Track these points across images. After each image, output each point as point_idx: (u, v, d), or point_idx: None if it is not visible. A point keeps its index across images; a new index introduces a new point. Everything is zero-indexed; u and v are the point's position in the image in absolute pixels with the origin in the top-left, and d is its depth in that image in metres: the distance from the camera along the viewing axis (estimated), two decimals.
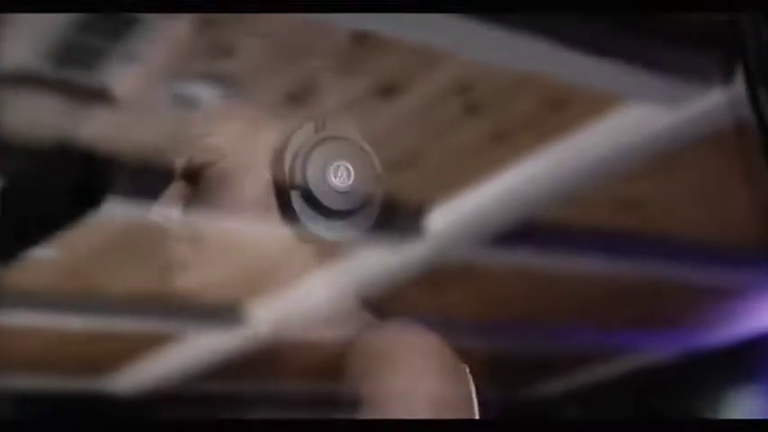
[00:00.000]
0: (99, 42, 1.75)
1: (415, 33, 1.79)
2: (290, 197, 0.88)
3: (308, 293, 0.90)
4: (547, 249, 2.78)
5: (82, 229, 1.88)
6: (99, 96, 1.86)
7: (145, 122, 1.96)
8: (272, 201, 0.89)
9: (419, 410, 0.79)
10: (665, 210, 2.73)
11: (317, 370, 0.86)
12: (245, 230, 0.90)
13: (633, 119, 2.18)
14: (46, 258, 2.31)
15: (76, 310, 2.89)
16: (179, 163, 0.93)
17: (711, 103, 1.98)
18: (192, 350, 3.00)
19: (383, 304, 0.93)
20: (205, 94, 1.87)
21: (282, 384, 0.90)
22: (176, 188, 0.92)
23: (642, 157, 2.31)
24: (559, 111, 2.22)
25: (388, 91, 2.07)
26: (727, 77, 1.64)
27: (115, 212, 1.87)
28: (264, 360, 0.92)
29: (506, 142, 2.33)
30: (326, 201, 0.88)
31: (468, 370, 0.86)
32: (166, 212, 0.91)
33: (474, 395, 0.85)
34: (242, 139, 0.91)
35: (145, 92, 1.90)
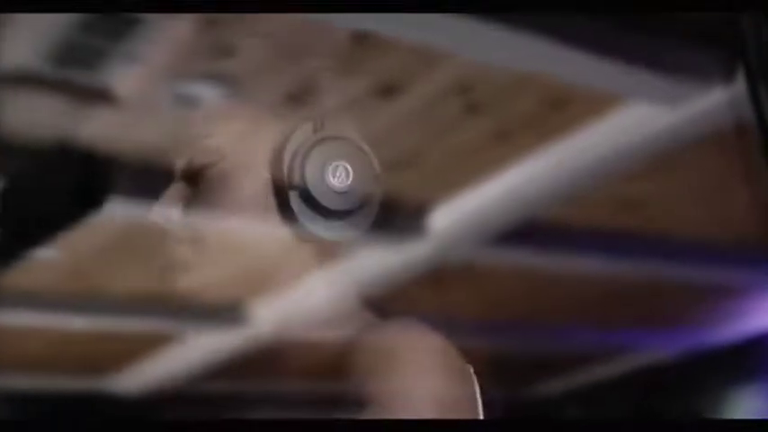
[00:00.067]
0: (100, 42, 1.75)
1: (415, 33, 1.79)
2: (288, 197, 0.88)
3: (308, 293, 0.90)
4: (548, 249, 2.78)
5: (83, 229, 1.88)
6: (100, 96, 1.86)
7: (146, 122, 1.96)
8: (272, 201, 0.89)
9: (424, 410, 0.79)
10: (666, 209, 2.73)
11: (319, 370, 0.87)
12: (245, 230, 0.90)
13: (633, 118, 2.18)
14: (47, 259, 2.32)
15: (78, 311, 2.89)
16: (179, 163, 0.93)
17: (712, 102, 1.98)
18: (193, 350, 3.00)
19: (385, 304, 0.94)
20: (206, 93, 1.87)
21: (284, 384, 0.90)
22: (176, 189, 0.93)
23: (642, 156, 2.31)
24: (560, 110, 2.22)
25: (388, 91, 2.07)
26: (728, 77, 1.65)
27: (116, 212, 1.87)
28: (266, 360, 0.92)
29: (507, 142, 2.34)
30: (325, 201, 0.88)
31: (472, 370, 0.86)
32: (166, 213, 0.92)
33: (478, 395, 0.85)
34: (242, 140, 0.91)
35: (146, 92, 1.90)
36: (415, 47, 1.88)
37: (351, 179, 0.89)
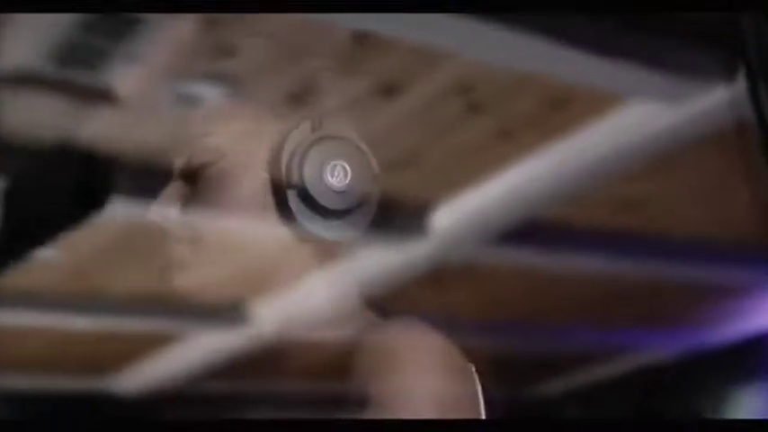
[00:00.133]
0: (101, 42, 1.75)
1: (415, 33, 1.79)
2: (286, 196, 0.88)
3: (309, 293, 0.90)
4: (548, 249, 2.78)
5: (84, 229, 1.88)
6: (102, 97, 1.86)
7: (147, 122, 1.96)
8: (270, 200, 0.89)
9: (425, 410, 0.79)
10: (666, 209, 2.73)
11: (320, 370, 0.87)
12: (244, 230, 0.90)
13: (634, 118, 2.18)
14: (48, 259, 2.32)
15: (79, 311, 2.89)
16: (178, 163, 0.93)
17: (712, 102, 1.98)
18: (194, 350, 3.00)
19: (386, 304, 0.94)
20: (207, 93, 1.87)
21: (284, 384, 0.90)
22: (175, 188, 0.93)
23: (643, 156, 2.31)
24: (560, 110, 2.22)
25: (389, 91, 2.07)
26: (729, 76, 1.65)
27: (118, 213, 1.87)
28: (266, 360, 0.92)
29: (508, 142, 2.34)
30: (323, 200, 0.88)
31: (473, 369, 0.86)
32: (164, 212, 0.92)
33: (480, 394, 0.85)
34: (242, 139, 0.92)
35: (147, 92, 1.90)
36: (415, 47, 1.89)
37: (349, 178, 0.89)
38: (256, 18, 1.69)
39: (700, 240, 2.93)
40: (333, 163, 0.89)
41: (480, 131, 2.29)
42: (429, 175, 2.41)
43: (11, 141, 1.65)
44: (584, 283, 2.97)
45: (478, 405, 0.84)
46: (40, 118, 1.84)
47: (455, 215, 2.49)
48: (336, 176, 0.88)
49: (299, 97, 1.88)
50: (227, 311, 0.91)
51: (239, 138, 0.92)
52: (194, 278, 0.90)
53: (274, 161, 0.89)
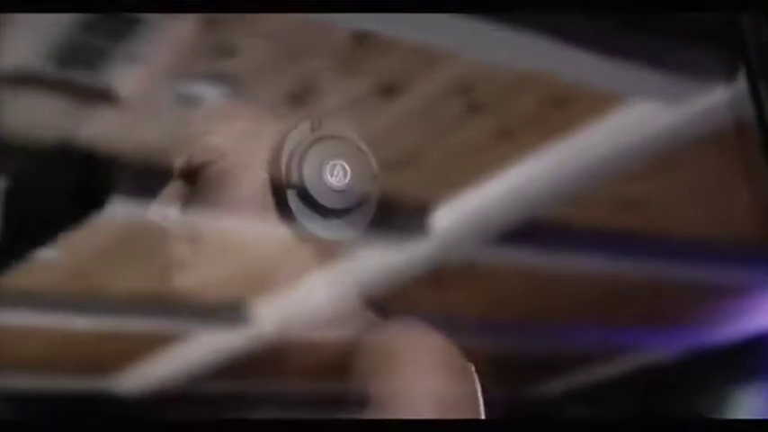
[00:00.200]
0: (101, 42, 1.75)
1: (415, 33, 1.79)
2: (286, 196, 0.88)
3: (309, 293, 0.90)
4: (549, 249, 2.78)
5: (84, 229, 1.88)
6: (102, 97, 1.86)
7: (147, 122, 1.96)
8: (270, 200, 0.89)
9: (425, 410, 0.79)
10: (666, 209, 2.73)
11: (320, 370, 0.87)
12: (244, 230, 0.90)
13: (634, 118, 2.18)
14: (49, 259, 2.32)
15: (80, 311, 2.89)
16: (178, 162, 0.93)
17: (712, 102, 1.98)
18: (195, 350, 3.00)
19: (386, 304, 0.94)
20: (208, 93, 1.88)
21: (285, 384, 0.90)
22: (175, 188, 0.93)
23: (643, 156, 2.31)
24: (561, 110, 2.22)
25: (389, 91, 2.07)
26: (729, 76, 1.65)
27: (118, 213, 1.87)
28: (267, 360, 0.92)
29: (508, 142, 2.34)
30: (323, 200, 0.88)
31: (473, 369, 0.86)
32: (164, 212, 0.92)
33: (480, 394, 0.85)
34: (242, 139, 0.92)
35: (147, 92, 1.90)
36: (415, 47, 1.89)
37: (348, 178, 0.89)
38: (256, 18, 1.69)
39: (700, 240, 2.93)
40: (332, 163, 0.89)
41: (480, 131, 2.29)
42: (429, 175, 2.41)
43: (11, 141, 1.65)
44: (585, 283, 2.97)
45: (478, 405, 0.84)
46: (40, 118, 1.84)
47: (455, 215, 2.49)
48: (336, 176, 0.89)
49: (299, 97, 1.88)
50: (227, 311, 0.91)
51: (239, 138, 0.92)
52: (194, 278, 0.90)
53: (274, 161, 0.89)
